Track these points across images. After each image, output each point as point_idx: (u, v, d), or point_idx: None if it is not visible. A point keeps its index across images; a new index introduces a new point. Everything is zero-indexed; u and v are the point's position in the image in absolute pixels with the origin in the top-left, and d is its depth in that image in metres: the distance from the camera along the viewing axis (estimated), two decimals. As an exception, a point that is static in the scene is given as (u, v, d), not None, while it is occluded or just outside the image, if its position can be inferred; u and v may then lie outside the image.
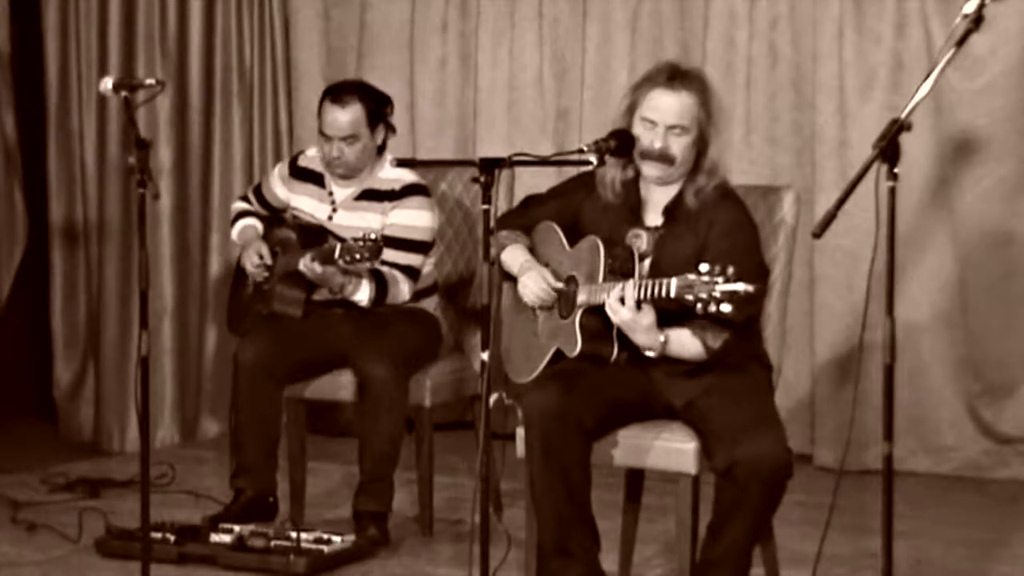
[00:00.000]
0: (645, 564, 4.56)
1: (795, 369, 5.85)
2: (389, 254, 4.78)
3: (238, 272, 5.14)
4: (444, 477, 5.33)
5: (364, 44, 6.53)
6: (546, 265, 4.17)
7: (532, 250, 4.21)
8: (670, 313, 3.82)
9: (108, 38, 6.20)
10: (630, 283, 3.80)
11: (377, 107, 4.92)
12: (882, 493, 3.40)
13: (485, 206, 3.76)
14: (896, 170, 3.33)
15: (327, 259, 4.67)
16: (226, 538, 4.59)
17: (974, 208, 5.68)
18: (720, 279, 3.56)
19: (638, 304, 3.77)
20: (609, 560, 4.13)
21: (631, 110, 4.01)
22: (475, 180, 3.79)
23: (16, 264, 6.17)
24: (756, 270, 3.80)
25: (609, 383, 3.95)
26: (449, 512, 5.13)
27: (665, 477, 4.01)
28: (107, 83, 4.03)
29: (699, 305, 3.59)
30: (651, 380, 3.99)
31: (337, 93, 4.90)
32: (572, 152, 3.98)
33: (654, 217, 4.05)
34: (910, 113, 3.35)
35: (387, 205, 4.91)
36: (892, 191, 3.32)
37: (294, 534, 4.54)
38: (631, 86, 4.08)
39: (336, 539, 4.59)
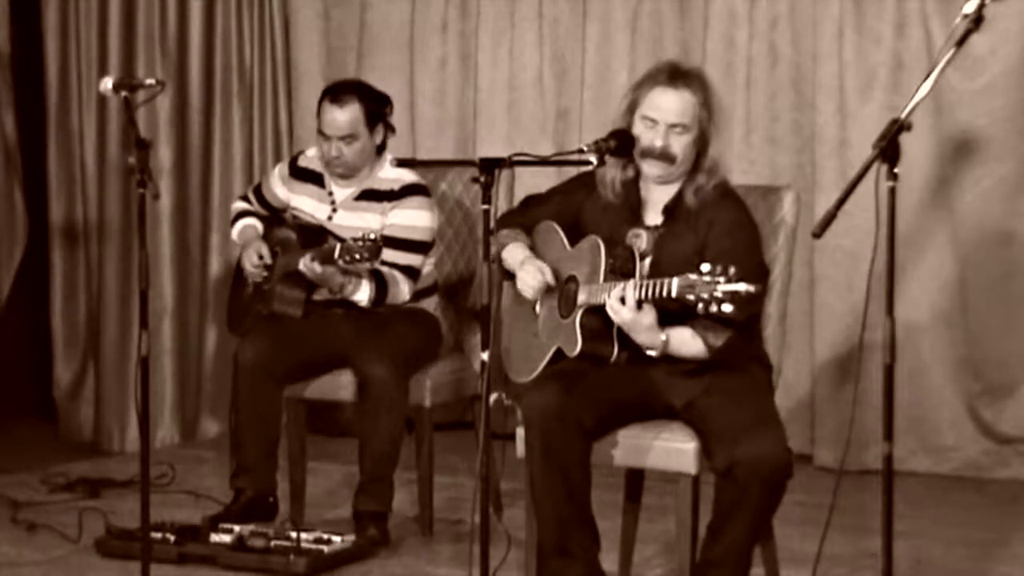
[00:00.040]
0: (645, 564, 4.56)
1: (795, 369, 5.85)
2: (389, 254, 4.78)
3: (238, 272, 5.14)
4: (444, 477, 5.33)
5: (364, 44, 6.53)
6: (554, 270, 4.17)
7: (532, 249, 4.21)
8: (671, 313, 3.82)
9: (108, 38, 6.20)
10: (631, 283, 3.80)
11: (376, 107, 4.92)
12: (882, 493, 3.40)
13: (485, 206, 3.76)
14: (896, 170, 3.33)
15: (327, 259, 4.67)
16: (226, 538, 4.59)
17: (974, 208, 5.68)
18: (722, 279, 3.56)
19: (639, 304, 3.78)
20: (609, 560, 4.13)
21: (631, 109, 4.01)
22: (475, 180, 3.79)
23: (16, 264, 6.17)
24: (757, 270, 3.80)
25: (609, 383, 3.95)
26: (449, 512, 5.13)
27: (665, 477, 4.01)
28: (107, 83, 4.03)
29: (700, 305, 3.59)
30: (651, 380, 3.99)
31: (335, 93, 4.91)
32: (572, 152, 3.98)
33: (654, 216, 4.05)
34: (910, 113, 3.35)
35: (387, 205, 4.91)
36: (892, 191, 3.33)
37: (294, 534, 4.54)
38: (631, 85, 4.08)
39: (336, 539, 4.59)
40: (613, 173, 4.07)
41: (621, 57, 6.16)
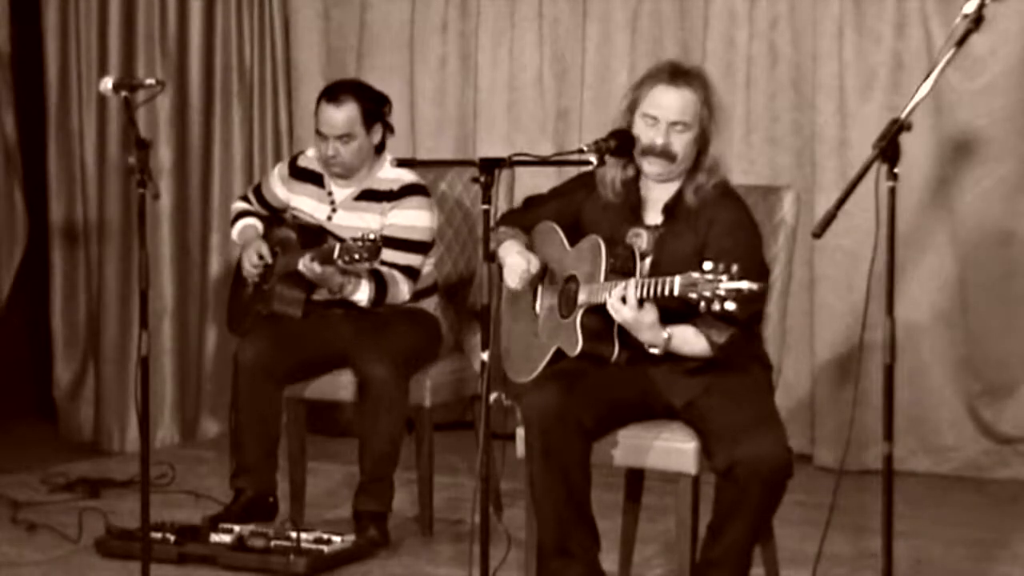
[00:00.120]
0: (645, 564, 4.56)
1: (795, 369, 5.85)
2: (388, 254, 4.78)
3: (238, 272, 5.14)
4: (444, 477, 5.33)
5: (364, 44, 6.53)
6: (546, 265, 4.17)
7: (531, 248, 4.21)
8: (672, 312, 3.82)
9: (108, 38, 6.20)
10: (632, 282, 3.80)
11: (373, 106, 4.92)
12: (882, 493, 3.40)
13: (485, 206, 3.76)
14: (896, 170, 3.33)
15: (326, 259, 4.67)
16: (226, 538, 4.59)
17: (974, 208, 5.68)
18: (724, 277, 3.56)
19: (640, 302, 3.78)
20: (609, 560, 4.13)
21: (632, 108, 4.01)
22: (475, 180, 3.79)
23: (16, 264, 6.17)
24: (757, 269, 3.80)
25: (609, 383, 3.95)
26: (449, 512, 5.13)
27: (665, 477, 4.02)
28: (107, 83, 4.03)
29: (703, 303, 3.59)
30: (651, 380, 3.99)
31: (333, 92, 4.91)
32: (572, 152, 3.98)
33: (654, 216, 4.05)
34: (910, 113, 3.35)
35: (386, 205, 4.91)
36: (892, 191, 3.33)
37: (294, 534, 4.54)
38: (632, 85, 4.08)
39: (336, 539, 4.59)
40: (613, 173, 4.07)
41: (621, 57, 6.15)
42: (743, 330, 3.88)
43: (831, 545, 3.86)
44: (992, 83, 5.63)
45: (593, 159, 3.92)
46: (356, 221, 4.90)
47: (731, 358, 3.91)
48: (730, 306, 3.56)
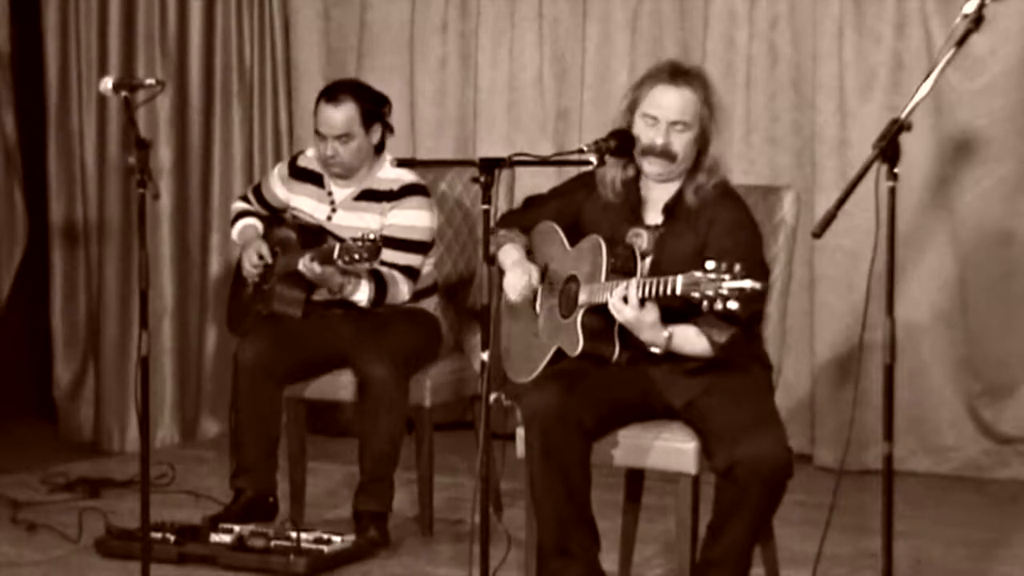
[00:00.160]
0: (645, 564, 4.56)
1: (795, 369, 5.85)
2: (388, 254, 4.78)
3: (238, 272, 5.14)
4: (444, 477, 5.33)
5: (364, 44, 6.53)
6: (546, 265, 4.17)
7: (531, 250, 4.21)
8: (673, 311, 3.82)
9: (108, 38, 6.20)
10: (633, 282, 3.80)
11: (372, 106, 4.92)
12: (882, 493, 3.40)
13: (485, 206, 3.76)
14: (896, 170, 3.33)
15: (326, 259, 4.67)
16: (226, 538, 4.59)
17: (974, 208, 5.68)
18: (727, 276, 3.56)
19: (641, 302, 3.78)
20: (609, 560, 4.13)
21: (632, 108, 4.01)
22: (475, 180, 3.79)
23: (16, 264, 6.17)
24: (758, 269, 3.80)
25: (609, 383, 3.95)
26: (449, 512, 5.13)
27: (665, 477, 4.01)
28: (107, 83, 4.03)
29: (705, 303, 3.59)
30: (651, 380, 3.99)
31: (331, 92, 4.91)
32: (572, 152, 3.98)
33: (654, 216, 4.05)
34: (910, 113, 3.35)
35: (386, 205, 4.91)
36: (892, 191, 3.32)
37: (294, 534, 4.54)
38: (632, 85, 4.08)
39: (336, 539, 4.59)
40: (613, 173, 4.07)
41: (621, 57, 6.15)
42: (744, 330, 3.88)
43: (831, 545, 3.85)
44: (992, 83, 5.63)
45: (593, 159, 3.92)
46: (356, 221, 4.90)
47: (731, 358, 3.91)
48: (733, 305, 3.56)
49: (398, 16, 6.48)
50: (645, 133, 3.98)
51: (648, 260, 3.98)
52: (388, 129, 4.98)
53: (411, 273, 4.90)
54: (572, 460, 3.86)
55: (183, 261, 6.34)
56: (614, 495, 4.32)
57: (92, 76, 6.13)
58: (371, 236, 4.60)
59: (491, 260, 4.08)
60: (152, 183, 3.83)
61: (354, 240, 4.60)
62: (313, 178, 5.03)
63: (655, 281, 3.75)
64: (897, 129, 3.33)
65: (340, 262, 4.63)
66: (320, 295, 4.90)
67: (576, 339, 3.93)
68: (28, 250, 6.22)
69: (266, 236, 5.09)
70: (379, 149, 4.97)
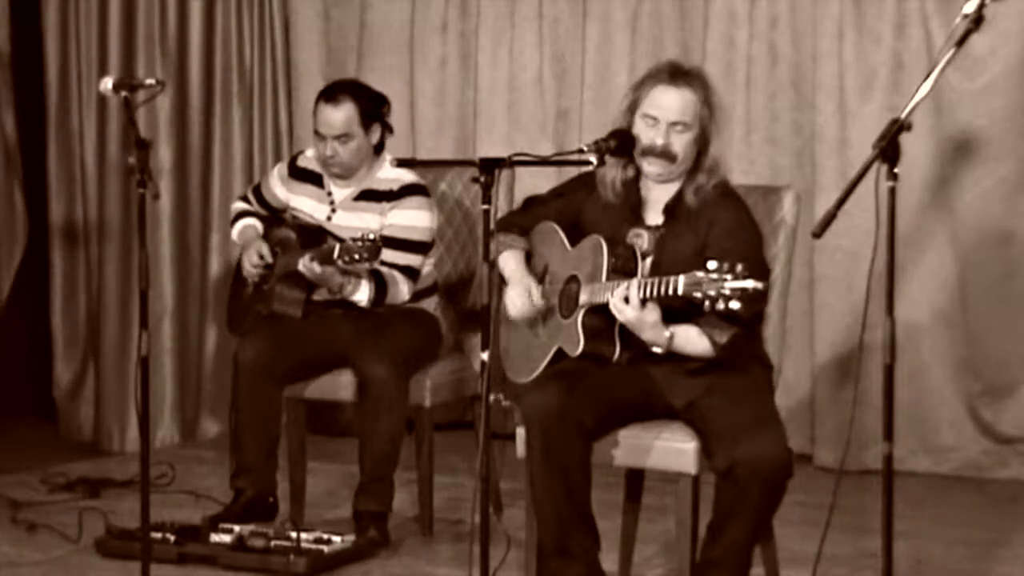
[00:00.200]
0: (645, 564, 4.56)
1: (795, 369, 5.85)
2: (388, 254, 4.78)
3: (238, 272, 5.14)
4: (444, 477, 5.33)
5: (364, 44, 6.53)
6: (546, 266, 4.17)
7: (531, 252, 4.21)
8: (674, 312, 3.82)
9: (108, 38, 6.20)
10: (634, 282, 3.80)
11: (371, 107, 4.92)
12: (882, 493, 3.40)
13: (485, 206, 3.76)
14: (896, 170, 3.33)
15: (326, 259, 4.67)
16: (226, 538, 4.59)
17: (974, 208, 5.68)
18: (729, 276, 3.56)
19: (643, 302, 3.78)
20: (609, 560, 4.13)
21: (632, 108, 4.01)
22: (475, 180, 3.79)
23: (16, 264, 6.17)
24: (758, 269, 3.80)
25: (609, 383, 3.95)
26: (449, 512, 5.13)
27: (665, 477, 4.01)
28: (107, 83, 4.03)
29: (707, 303, 3.59)
30: (651, 380, 3.99)
31: (331, 92, 4.91)
32: (572, 152, 3.98)
33: (654, 216, 4.05)
34: (910, 113, 3.35)
35: (386, 205, 4.91)
36: (892, 191, 3.33)
37: (294, 534, 4.54)
38: (632, 85, 4.08)
39: (336, 539, 4.59)
40: (613, 173, 4.07)
41: (621, 57, 6.15)
42: (745, 330, 3.88)
43: (831, 545, 3.85)
44: (992, 83, 5.63)
45: (593, 159, 3.92)
46: (356, 221, 4.90)
47: (732, 358, 3.90)
48: (735, 305, 3.56)
49: (398, 16, 6.48)
50: (645, 133, 3.98)
51: (648, 260, 3.98)
52: (388, 129, 4.98)
53: (411, 273, 4.90)
54: (572, 460, 3.86)
55: (183, 261, 6.34)
56: (614, 495, 4.32)
57: (92, 76, 6.13)
58: (371, 236, 4.60)
59: (492, 262, 4.08)
60: (152, 183, 3.83)
61: (354, 240, 4.60)
62: (313, 178, 5.03)
63: (657, 281, 3.75)
64: (897, 129, 3.33)
65: (340, 262, 4.63)
66: (320, 295, 4.90)
67: (577, 339, 3.93)
68: (28, 250, 6.22)
69: (266, 236, 5.09)
70: (379, 149, 4.97)
